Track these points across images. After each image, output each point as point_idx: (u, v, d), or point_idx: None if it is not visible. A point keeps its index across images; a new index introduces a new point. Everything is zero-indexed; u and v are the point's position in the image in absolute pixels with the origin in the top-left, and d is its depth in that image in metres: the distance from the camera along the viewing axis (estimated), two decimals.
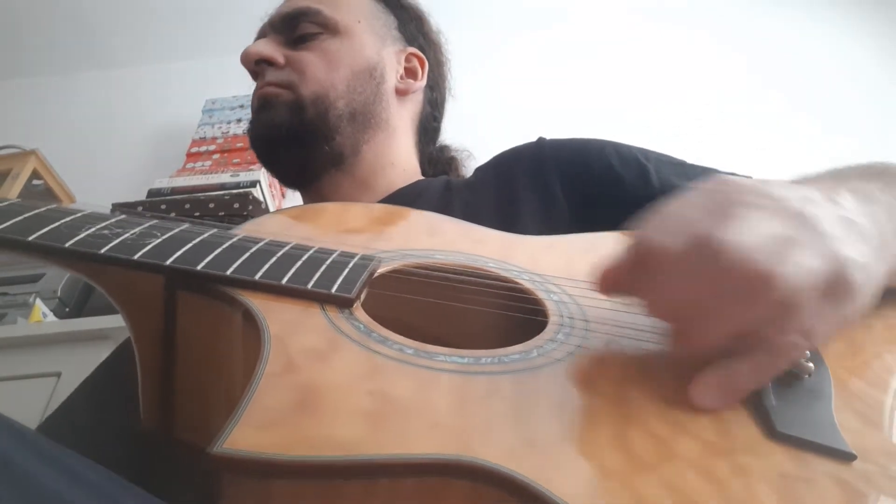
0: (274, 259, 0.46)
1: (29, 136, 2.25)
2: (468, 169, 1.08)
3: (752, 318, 0.37)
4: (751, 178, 0.41)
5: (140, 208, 1.81)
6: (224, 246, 0.47)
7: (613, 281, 0.43)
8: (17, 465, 0.31)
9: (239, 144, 2.08)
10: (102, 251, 0.43)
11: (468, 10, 2.38)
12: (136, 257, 0.43)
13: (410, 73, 0.95)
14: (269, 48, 0.86)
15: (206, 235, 0.48)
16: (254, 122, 0.87)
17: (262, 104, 0.85)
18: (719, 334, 0.38)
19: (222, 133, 2.17)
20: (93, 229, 0.45)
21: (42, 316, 1.50)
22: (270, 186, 1.94)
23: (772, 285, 0.35)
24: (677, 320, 0.40)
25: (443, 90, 1.05)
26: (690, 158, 0.80)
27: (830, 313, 0.38)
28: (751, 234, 0.36)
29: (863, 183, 0.48)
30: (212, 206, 1.77)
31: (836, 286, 0.37)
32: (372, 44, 0.90)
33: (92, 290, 1.65)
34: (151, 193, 1.92)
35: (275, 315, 0.41)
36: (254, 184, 1.88)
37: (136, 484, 0.37)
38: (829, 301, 0.37)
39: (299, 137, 0.83)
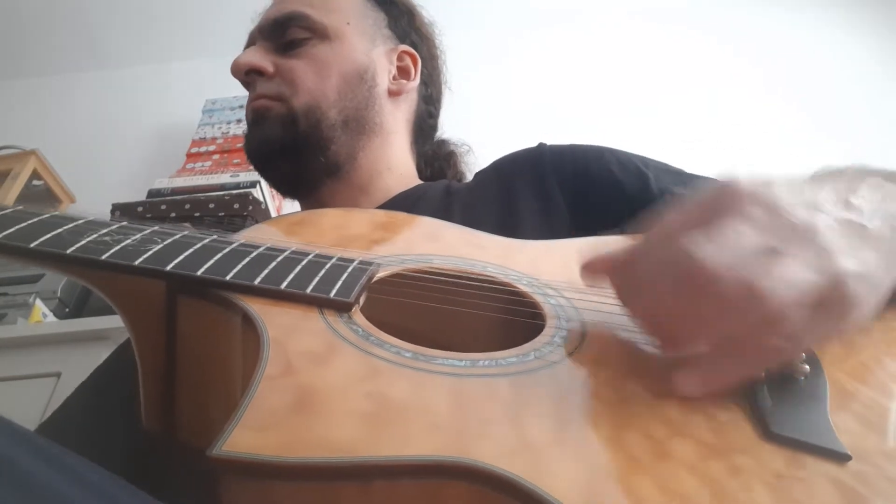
0: (273, 264, 0.46)
1: (29, 136, 2.26)
2: (468, 164, 1.07)
3: (729, 330, 0.37)
4: (757, 179, 0.41)
5: (140, 209, 1.81)
6: (224, 251, 0.47)
7: (595, 270, 0.45)
8: (18, 464, 0.31)
9: (239, 145, 2.08)
10: (103, 257, 0.44)
11: (471, 9, 2.39)
12: (136, 263, 0.44)
13: (403, 72, 0.93)
14: (257, 58, 0.85)
15: (206, 241, 0.48)
16: (248, 137, 0.87)
17: (254, 118, 0.85)
18: (695, 343, 0.39)
19: (222, 133, 2.17)
20: (94, 236, 0.46)
21: (42, 316, 1.51)
22: (270, 187, 1.94)
23: (749, 298, 0.35)
24: (655, 329, 0.41)
25: (438, 85, 1.04)
26: (691, 158, 0.80)
27: (823, 323, 0.38)
28: (731, 250, 0.36)
29: (884, 181, 0.48)
30: (212, 206, 1.78)
31: (830, 299, 0.37)
32: (362, 46, 0.89)
33: (92, 291, 1.65)
34: (151, 194, 1.92)
35: (274, 319, 0.41)
36: (254, 184, 1.88)
37: (137, 485, 0.37)
38: (822, 312, 0.37)
39: (294, 150, 0.83)
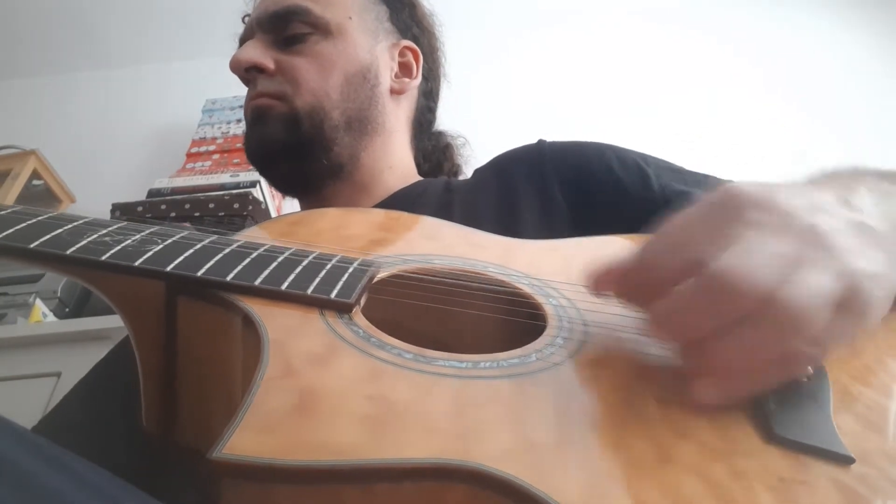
0: (274, 265, 0.46)
1: (29, 136, 2.26)
2: (464, 157, 1.07)
3: (757, 339, 0.36)
4: (758, 183, 0.41)
5: (140, 208, 1.81)
6: (224, 252, 0.47)
7: (605, 283, 0.44)
8: (18, 464, 0.31)
9: (239, 144, 2.08)
10: (103, 258, 0.44)
11: (471, 8, 2.38)
12: (136, 264, 0.44)
13: (405, 68, 0.93)
14: (257, 54, 0.83)
15: (206, 242, 0.48)
16: (249, 136, 0.85)
17: (255, 117, 0.83)
18: (723, 355, 0.37)
19: (222, 133, 2.17)
20: (94, 236, 0.46)
21: (42, 316, 1.51)
22: (270, 187, 1.94)
23: (773, 306, 0.35)
24: (679, 342, 0.39)
25: (437, 78, 1.03)
26: (690, 157, 0.80)
27: (844, 326, 0.37)
28: (752, 257, 0.36)
29: (879, 180, 0.48)
30: (212, 206, 1.77)
31: (848, 300, 0.37)
32: (364, 42, 0.87)
33: (92, 291, 1.65)
34: (151, 193, 1.92)
35: (274, 320, 0.41)
36: (254, 184, 1.88)
37: (136, 485, 0.37)
38: (842, 315, 0.37)
39: (296, 152, 0.82)
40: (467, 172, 1.04)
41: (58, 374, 1.30)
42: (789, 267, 0.36)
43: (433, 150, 1.04)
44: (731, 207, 0.39)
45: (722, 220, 0.39)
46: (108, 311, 1.37)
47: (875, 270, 0.38)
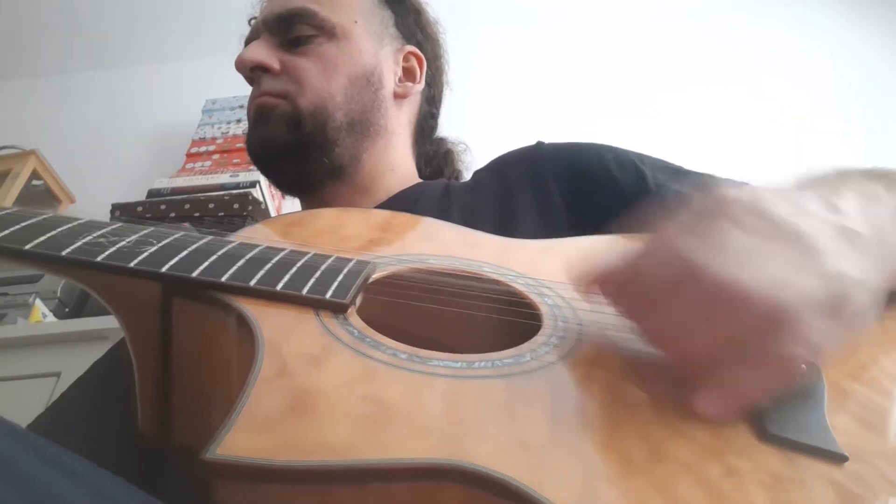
0: (269, 265, 0.46)
1: (29, 136, 2.26)
2: (465, 163, 1.08)
3: (733, 332, 0.37)
4: (747, 186, 0.41)
5: (140, 208, 1.81)
6: (219, 253, 0.47)
7: (593, 284, 0.44)
8: (19, 465, 0.31)
9: (239, 145, 2.08)
10: (98, 259, 0.44)
11: (468, 7, 2.38)
12: (131, 265, 0.44)
13: (408, 73, 0.93)
14: (263, 54, 0.84)
15: (201, 243, 0.48)
16: (251, 135, 0.86)
17: (258, 116, 0.84)
18: (703, 351, 0.38)
19: (222, 133, 2.17)
20: (90, 237, 0.46)
21: (42, 316, 1.51)
22: (270, 187, 1.94)
23: (753, 302, 0.35)
24: (665, 342, 0.40)
25: (440, 85, 1.03)
26: (689, 157, 0.80)
27: (835, 330, 0.37)
28: (746, 267, 0.36)
29: (867, 182, 0.48)
30: (212, 206, 1.78)
31: (837, 304, 0.37)
32: (369, 46, 0.88)
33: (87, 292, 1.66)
34: (151, 193, 1.93)
35: (269, 321, 0.41)
36: (253, 184, 1.88)
37: (136, 485, 0.37)
38: (831, 318, 0.37)
39: (298, 151, 0.82)
40: (467, 178, 1.05)
41: (58, 375, 1.30)
42: (782, 274, 0.36)
43: (434, 155, 1.05)
44: (719, 214, 0.39)
45: (711, 226, 0.39)
46: (108, 311, 1.37)
47: (862, 276, 0.39)
